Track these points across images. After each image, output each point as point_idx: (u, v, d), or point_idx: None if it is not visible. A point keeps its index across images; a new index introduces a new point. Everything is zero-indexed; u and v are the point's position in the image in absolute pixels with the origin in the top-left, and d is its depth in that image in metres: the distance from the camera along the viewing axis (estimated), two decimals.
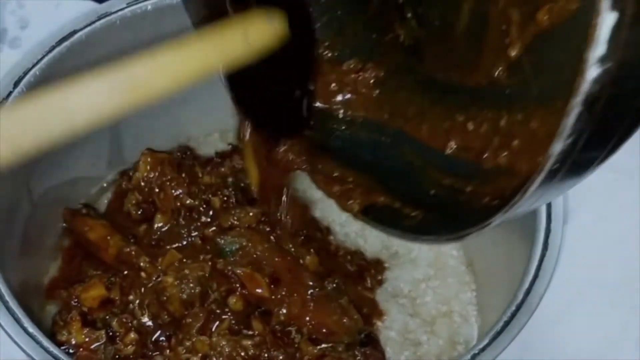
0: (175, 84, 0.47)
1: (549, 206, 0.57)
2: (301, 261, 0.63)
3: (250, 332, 0.60)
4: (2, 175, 0.56)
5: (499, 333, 0.51)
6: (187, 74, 0.48)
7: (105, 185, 0.72)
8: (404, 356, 0.63)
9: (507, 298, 0.55)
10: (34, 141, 0.44)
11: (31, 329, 0.49)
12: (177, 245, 0.65)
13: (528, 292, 0.53)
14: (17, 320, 0.49)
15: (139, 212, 0.66)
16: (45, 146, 0.44)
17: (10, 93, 0.58)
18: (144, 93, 0.47)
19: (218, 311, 0.60)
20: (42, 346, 0.49)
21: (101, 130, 0.68)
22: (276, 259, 0.63)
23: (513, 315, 0.52)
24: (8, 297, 0.50)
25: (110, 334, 0.59)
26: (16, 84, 0.59)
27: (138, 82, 0.47)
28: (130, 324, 0.59)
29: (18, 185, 0.61)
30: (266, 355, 0.59)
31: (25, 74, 0.59)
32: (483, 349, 0.50)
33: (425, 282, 0.67)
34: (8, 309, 0.50)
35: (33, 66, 0.60)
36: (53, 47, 0.61)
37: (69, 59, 0.61)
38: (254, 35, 0.48)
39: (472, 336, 0.64)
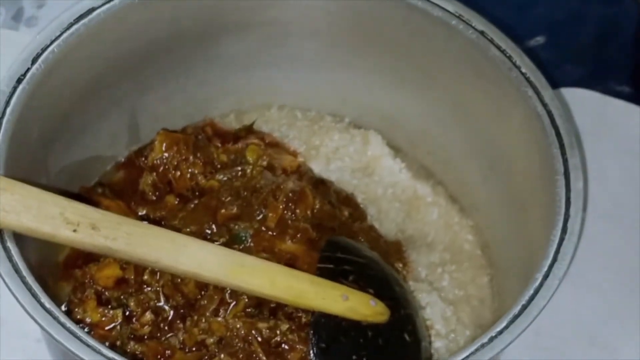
0: (266, 293, 0.56)
1: (567, 190, 0.56)
2: None
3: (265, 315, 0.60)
4: (20, 154, 0.56)
5: (516, 316, 0.51)
6: (280, 293, 0.56)
7: (120, 163, 0.71)
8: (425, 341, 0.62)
9: (524, 282, 0.55)
10: (141, 256, 0.52)
11: (48, 304, 0.49)
12: (189, 229, 0.64)
13: (546, 275, 0.53)
14: (35, 296, 0.49)
15: (155, 192, 0.66)
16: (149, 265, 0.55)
17: (28, 70, 0.58)
18: (239, 281, 0.55)
19: (232, 293, 0.60)
20: (59, 322, 0.48)
21: (118, 109, 0.69)
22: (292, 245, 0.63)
23: (531, 298, 0.52)
24: (25, 273, 0.50)
25: (127, 313, 0.59)
26: (34, 61, 0.59)
27: (241, 270, 0.55)
28: (147, 304, 0.59)
29: (35, 163, 0.61)
30: (280, 338, 0.59)
31: (43, 50, 0.59)
32: (501, 332, 0.50)
33: (442, 266, 0.67)
34: (25, 284, 0.50)
35: (51, 43, 0.59)
36: (71, 24, 0.60)
37: (87, 37, 0.61)
38: (354, 304, 0.58)
39: (489, 320, 0.64)
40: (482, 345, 0.49)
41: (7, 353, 0.67)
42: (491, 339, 0.50)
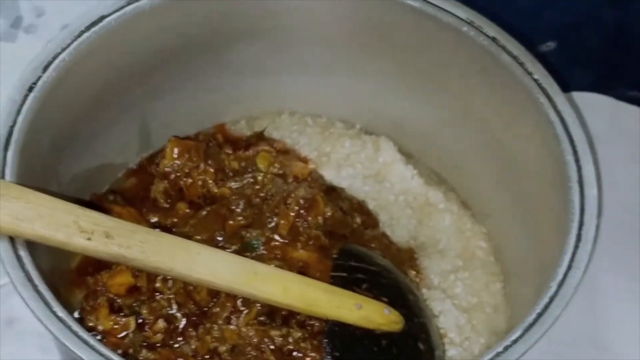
0: (279, 301, 0.56)
1: (582, 197, 0.56)
2: None
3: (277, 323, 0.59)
4: (31, 162, 0.56)
5: (531, 325, 0.50)
6: (293, 301, 0.56)
7: (131, 170, 0.71)
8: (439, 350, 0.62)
9: (538, 289, 0.54)
10: (154, 265, 0.52)
11: (60, 312, 0.49)
12: (201, 236, 0.64)
13: (561, 284, 0.52)
14: (47, 304, 0.49)
15: (166, 200, 0.66)
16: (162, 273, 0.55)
17: (39, 78, 0.58)
18: (252, 289, 0.55)
19: (244, 301, 0.60)
20: (71, 330, 0.48)
21: (129, 116, 0.69)
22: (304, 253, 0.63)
23: (546, 307, 0.51)
24: (37, 281, 0.50)
25: (139, 321, 0.58)
26: (45, 69, 0.58)
27: (254, 278, 0.55)
28: (159, 312, 0.59)
29: (46, 171, 0.61)
30: (293, 346, 0.58)
31: (54, 59, 0.59)
32: (516, 341, 0.50)
33: (454, 273, 0.66)
34: (38, 292, 0.50)
35: (62, 51, 0.59)
36: (82, 32, 0.60)
37: (98, 45, 0.61)
38: (368, 312, 0.57)
39: (503, 327, 0.64)
40: (498, 354, 0.49)
41: (24, 351, 0.67)
42: (506, 348, 0.49)
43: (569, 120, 0.59)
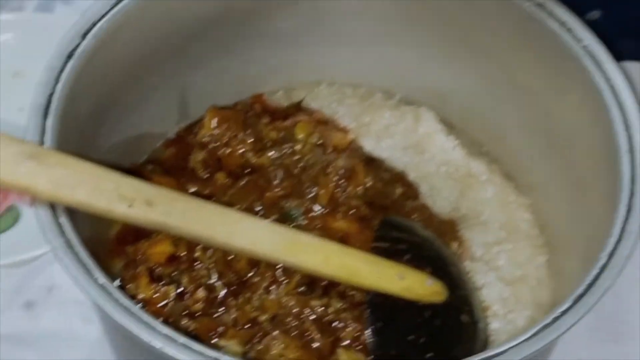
0: (320, 270, 0.55)
1: (632, 167, 0.54)
2: None
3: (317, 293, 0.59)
4: (70, 131, 0.56)
5: (581, 296, 0.49)
6: (334, 271, 0.55)
7: (169, 140, 0.71)
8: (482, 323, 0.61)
9: (584, 262, 0.53)
10: (195, 233, 0.52)
11: (102, 280, 0.49)
12: (239, 207, 0.63)
13: (612, 254, 0.51)
14: (88, 271, 0.49)
15: (205, 170, 0.66)
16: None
17: (77, 45, 0.57)
18: (293, 258, 0.54)
19: (284, 271, 0.59)
20: (113, 298, 0.48)
21: (167, 86, 0.68)
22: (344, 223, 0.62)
23: (596, 278, 0.50)
24: (78, 248, 0.50)
25: (179, 290, 0.58)
26: (84, 36, 0.58)
27: (295, 248, 0.54)
28: (199, 281, 0.58)
29: (85, 141, 0.60)
30: (333, 316, 0.58)
31: (93, 25, 0.58)
32: (565, 312, 0.48)
33: (498, 245, 0.65)
34: (79, 259, 0.49)
35: (101, 18, 0.59)
36: (120, 0, 0.60)
37: (137, 13, 0.60)
38: (410, 283, 0.57)
39: (548, 300, 0.62)
40: (545, 326, 0.48)
41: (64, 319, 0.68)
42: (555, 319, 0.48)
43: (619, 88, 0.57)
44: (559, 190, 0.65)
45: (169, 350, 0.46)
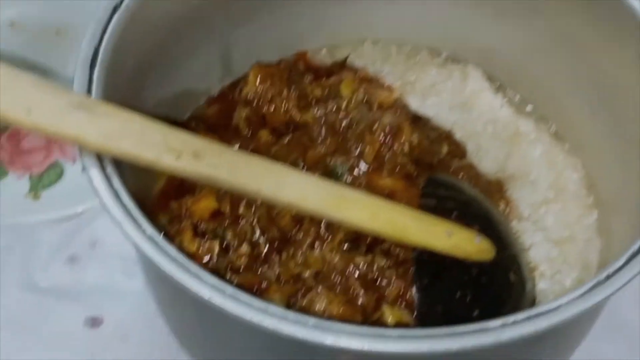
0: (367, 226, 0.54)
1: None
2: None
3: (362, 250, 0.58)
4: (116, 84, 0.56)
5: (636, 254, 0.48)
6: (381, 227, 0.54)
7: (213, 97, 0.70)
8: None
9: (635, 223, 0.52)
10: (242, 186, 0.51)
11: (150, 231, 0.49)
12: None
13: None
14: (136, 223, 0.49)
15: (249, 127, 0.65)
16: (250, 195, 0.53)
17: (110, 18, 0.57)
18: (340, 214, 0.53)
19: (328, 227, 0.59)
20: (161, 248, 0.48)
21: (211, 42, 0.68)
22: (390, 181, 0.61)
23: None
24: (126, 199, 0.50)
25: (224, 245, 0.58)
26: (115, 9, 0.57)
27: (342, 203, 0.53)
28: (243, 237, 0.58)
29: (130, 95, 0.60)
30: (378, 274, 0.57)
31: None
32: (619, 269, 0.47)
33: (545, 205, 0.64)
34: (127, 211, 0.49)
35: None
36: None
37: None
38: (458, 240, 0.56)
39: (595, 261, 0.61)
40: (598, 283, 0.47)
41: (108, 273, 0.68)
42: (608, 277, 0.47)
43: None
44: (610, 150, 0.63)
45: (217, 300, 0.45)
